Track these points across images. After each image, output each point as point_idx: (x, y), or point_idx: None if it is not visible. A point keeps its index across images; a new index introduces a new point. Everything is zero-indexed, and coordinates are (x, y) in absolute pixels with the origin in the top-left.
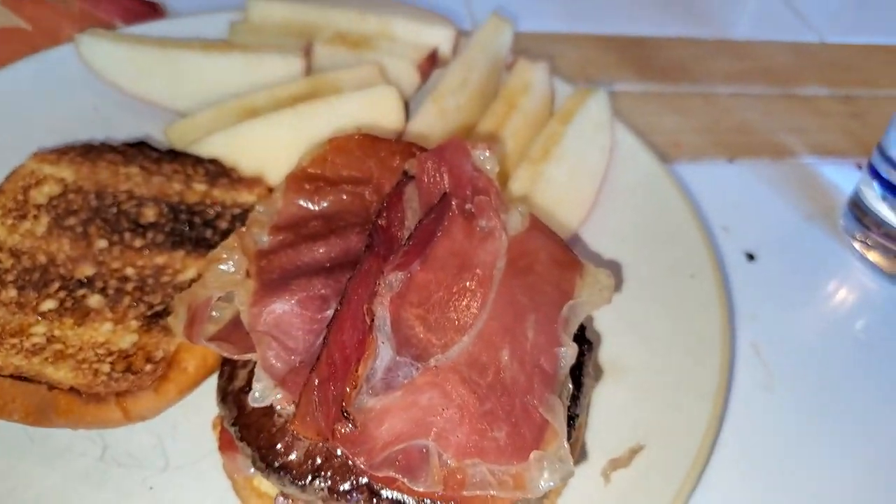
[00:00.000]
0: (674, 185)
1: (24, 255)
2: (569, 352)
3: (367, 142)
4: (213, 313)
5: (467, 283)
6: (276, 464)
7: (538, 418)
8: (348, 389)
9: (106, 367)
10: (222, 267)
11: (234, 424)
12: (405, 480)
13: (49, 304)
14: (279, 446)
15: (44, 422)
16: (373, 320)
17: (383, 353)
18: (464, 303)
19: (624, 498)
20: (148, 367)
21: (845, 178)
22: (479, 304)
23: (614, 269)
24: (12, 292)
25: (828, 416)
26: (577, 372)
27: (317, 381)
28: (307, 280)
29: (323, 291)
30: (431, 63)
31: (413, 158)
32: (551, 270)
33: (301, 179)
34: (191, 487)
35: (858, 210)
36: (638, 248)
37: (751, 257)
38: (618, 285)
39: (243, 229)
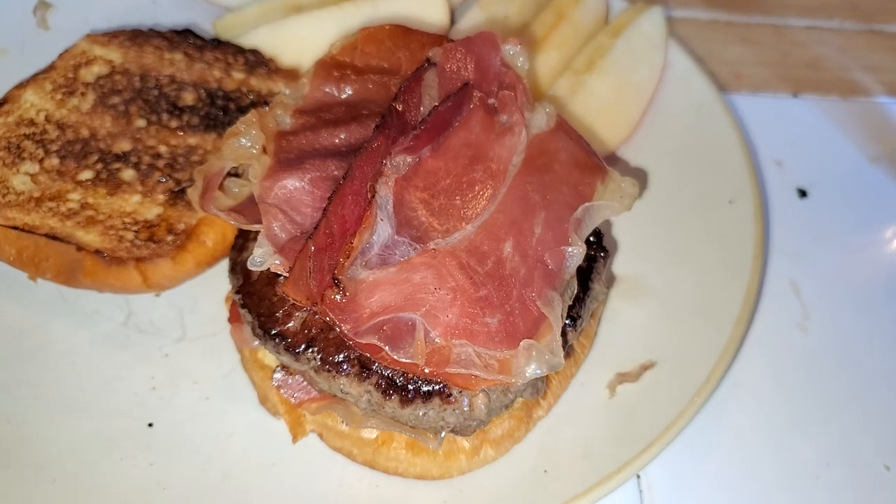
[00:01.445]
0: (724, 110)
1: (69, 128)
2: (576, 251)
3: (399, 32)
4: (233, 189)
5: (478, 175)
6: (273, 331)
7: (535, 311)
8: (341, 259)
9: (130, 235)
10: (240, 141)
11: (238, 292)
12: (387, 349)
13: (86, 174)
14: (278, 314)
15: (73, 282)
16: (374, 196)
17: (381, 229)
18: (472, 193)
19: (626, 412)
20: (169, 238)
21: None
22: (487, 196)
23: (641, 177)
24: (55, 161)
25: (861, 363)
26: (587, 276)
27: (313, 248)
28: (322, 161)
29: (336, 173)
30: None
31: (440, 48)
32: (571, 172)
33: (329, 66)
34: (202, 358)
35: None
36: (677, 170)
37: (803, 194)
38: (642, 193)
39: (265, 109)
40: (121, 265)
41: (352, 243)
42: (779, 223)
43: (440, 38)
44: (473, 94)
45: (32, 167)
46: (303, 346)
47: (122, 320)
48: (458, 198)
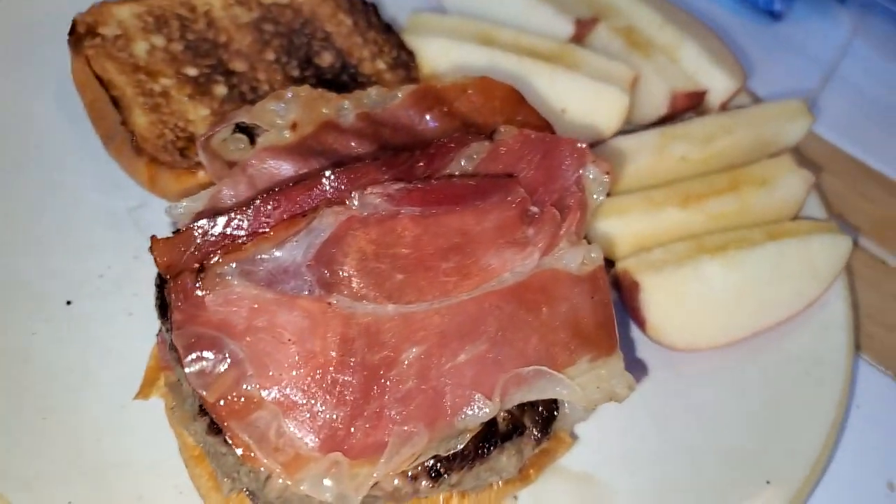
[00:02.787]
0: (841, 388)
1: (214, 29)
2: (484, 410)
3: (513, 98)
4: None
5: (448, 267)
6: (160, 282)
7: (383, 434)
8: (221, 252)
9: (171, 136)
10: (277, 105)
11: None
12: (185, 360)
13: (191, 71)
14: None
15: (108, 145)
16: (306, 216)
17: (290, 252)
18: (424, 280)
19: None
20: (195, 159)
21: None
22: (439, 294)
23: (691, 391)
24: (179, 47)
25: None
26: (494, 443)
27: (213, 224)
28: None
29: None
30: (691, 102)
31: (515, 127)
32: (558, 329)
33: (428, 95)
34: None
35: None
36: (735, 415)
37: None
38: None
39: (330, 94)
40: (138, 155)
41: (245, 244)
42: None
43: (546, 126)
44: (517, 190)
45: (159, 42)
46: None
47: (131, 206)
48: (403, 274)
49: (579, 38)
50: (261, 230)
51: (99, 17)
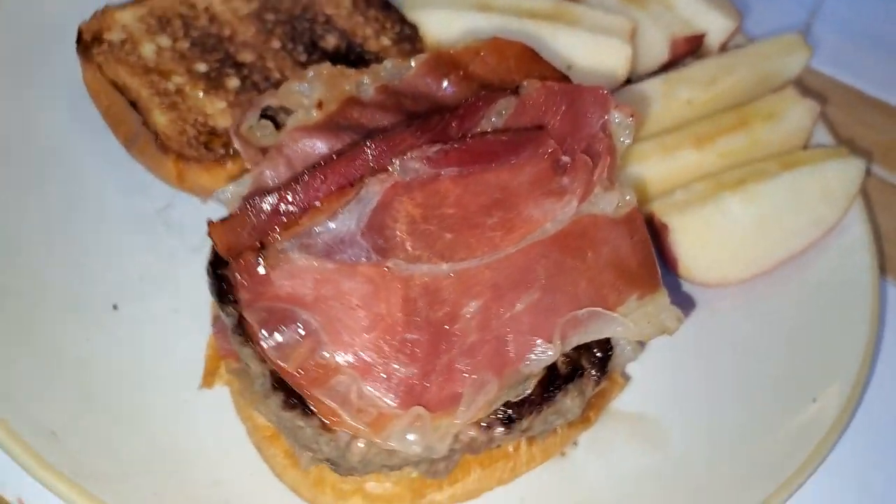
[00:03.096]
0: (872, 306)
1: (217, 23)
2: (547, 353)
3: (527, 55)
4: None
5: (492, 222)
6: (215, 270)
7: (457, 386)
8: (278, 228)
9: (192, 132)
10: (301, 86)
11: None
12: (262, 334)
13: (201, 67)
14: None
15: (131, 149)
16: (353, 185)
17: (343, 221)
18: (472, 237)
19: None
20: (221, 151)
21: None
22: (487, 247)
23: (730, 327)
24: (185, 45)
25: None
26: (559, 387)
27: (266, 204)
28: (363, 139)
29: None
30: (691, 46)
31: (538, 80)
32: (604, 270)
33: (442, 61)
34: (199, 276)
35: None
36: (776, 340)
37: None
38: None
39: (349, 70)
40: (164, 153)
41: (300, 219)
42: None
43: (563, 78)
44: (548, 142)
45: (165, 42)
46: (229, 297)
47: (159, 207)
48: (451, 233)
49: None
50: (312, 204)
51: (103, 23)
